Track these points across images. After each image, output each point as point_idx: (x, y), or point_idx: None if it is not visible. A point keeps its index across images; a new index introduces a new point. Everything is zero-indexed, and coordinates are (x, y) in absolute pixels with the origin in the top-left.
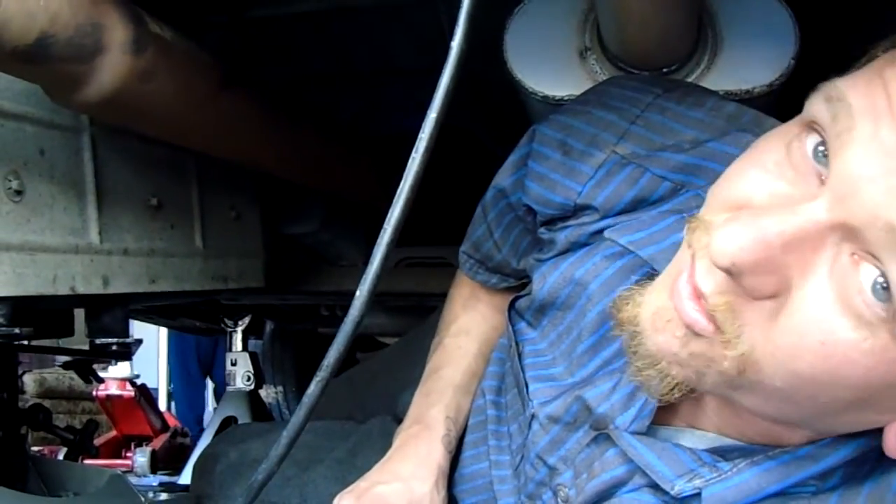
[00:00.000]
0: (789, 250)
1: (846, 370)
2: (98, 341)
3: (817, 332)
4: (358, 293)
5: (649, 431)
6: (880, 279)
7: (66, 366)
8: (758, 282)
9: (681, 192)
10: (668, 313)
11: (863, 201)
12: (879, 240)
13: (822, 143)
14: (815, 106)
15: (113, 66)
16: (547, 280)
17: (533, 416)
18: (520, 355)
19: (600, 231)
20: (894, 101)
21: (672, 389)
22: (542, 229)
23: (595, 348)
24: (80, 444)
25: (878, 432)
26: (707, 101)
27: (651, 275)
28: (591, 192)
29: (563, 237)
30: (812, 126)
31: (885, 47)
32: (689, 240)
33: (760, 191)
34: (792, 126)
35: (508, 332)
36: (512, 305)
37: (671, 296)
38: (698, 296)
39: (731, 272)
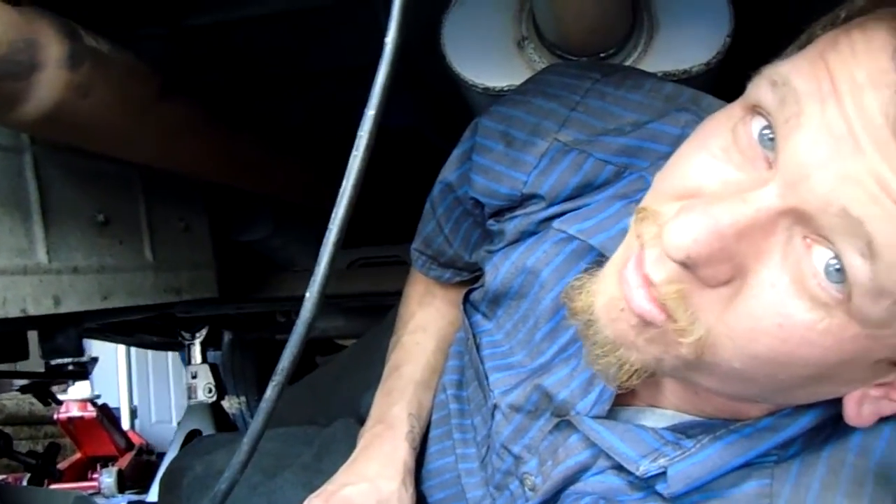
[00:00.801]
0: (742, 238)
1: (804, 351)
2: (53, 362)
3: (774, 315)
4: (307, 295)
5: (610, 414)
6: (833, 261)
7: (23, 389)
8: (713, 271)
9: (624, 174)
10: (620, 303)
11: (814, 187)
12: (832, 224)
13: (768, 126)
14: (760, 90)
15: (50, 81)
16: (499, 270)
17: (495, 407)
18: (478, 347)
19: (548, 219)
20: (838, 83)
21: (631, 377)
22: (490, 220)
23: (552, 335)
24: (44, 468)
25: (836, 400)
26: (645, 83)
27: (600, 261)
28: (536, 181)
29: (511, 227)
30: (756, 110)
31: (824, 25)
32: (637, 230)
33: (709, 178)
34: (735, 109)
35: (465, 325)
36: (466, 298)
37: (620, 285)
38: (648, 284)
39: (687, 265)
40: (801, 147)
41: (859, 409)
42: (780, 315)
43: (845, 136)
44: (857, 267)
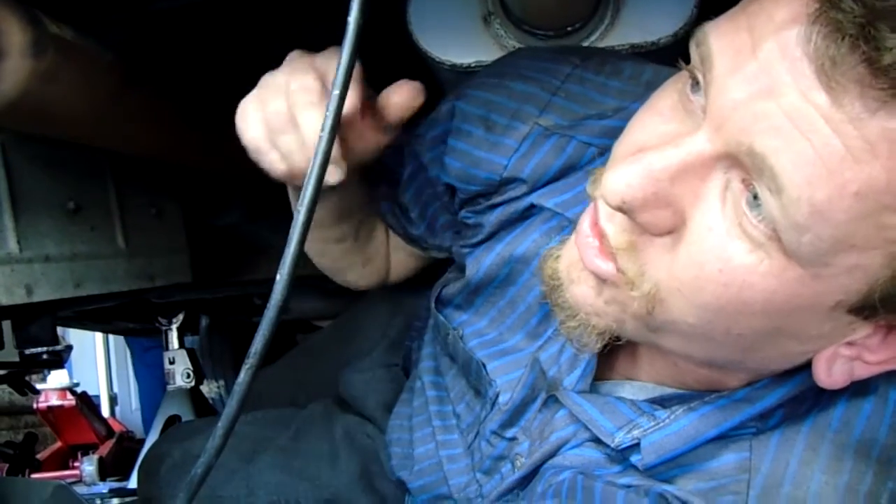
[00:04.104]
0: (678, 182)
1: (748, 295)
2: (28, 352)
3: (714, 260)
4: (278, 277)
5: (593, 388)
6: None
7: None
8: (652, 216)
9: (606, 154)
10: (580, 264)
11: (733, 128)
12: (748, 164)
13: (699, 80)
14: (691, 50)
15: (14, 70)
16: (481, 264)
17: (497, 395)
18: (462, 338)
19: (533, 206)
20: (758, 30)
21: (596, 339)
22: (464, 212)
23: (549, 317)
24: (22, 458)
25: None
26: (624, 70)
27: None
28: (517, 165)
29: (492, 219)
30: (691, 69)
31: None
32: (590, 190)
33: (652, 134)
34: (684, 72)
35: (437, 320)
36: (438, 299)
37: (577, 244)
38: (601, 238)
39: (623, 210)
40: (721, 93)
41: (829, 368)
42: (719, 259)
43: (759, 76)
44: (771, 203)
